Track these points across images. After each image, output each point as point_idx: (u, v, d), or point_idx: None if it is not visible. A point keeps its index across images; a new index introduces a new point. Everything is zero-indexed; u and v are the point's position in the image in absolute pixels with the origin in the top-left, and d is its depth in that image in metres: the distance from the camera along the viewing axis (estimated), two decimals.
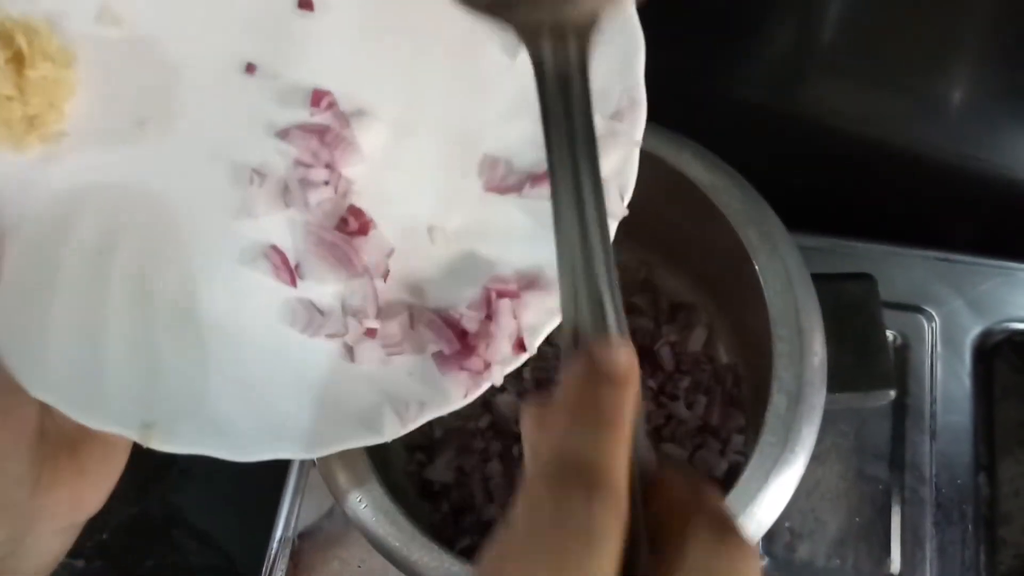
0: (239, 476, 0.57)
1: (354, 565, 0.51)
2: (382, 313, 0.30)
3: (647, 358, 0.51)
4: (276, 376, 0.29)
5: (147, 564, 0.57)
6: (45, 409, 0.28)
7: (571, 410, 0.22)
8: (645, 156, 0.41)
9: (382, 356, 0.30)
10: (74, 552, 0.56)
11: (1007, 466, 0.55)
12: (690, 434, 0.48)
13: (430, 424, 0.50)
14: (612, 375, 0.22)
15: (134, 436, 0.28)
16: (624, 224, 0.52)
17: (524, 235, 0.31)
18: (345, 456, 0.37)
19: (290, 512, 0.53)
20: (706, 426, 0.49)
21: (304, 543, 0.52)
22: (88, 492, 0.30)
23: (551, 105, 0.25)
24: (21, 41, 0.26)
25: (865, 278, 0.40)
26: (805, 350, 0.36)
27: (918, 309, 0.58)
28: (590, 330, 0.23)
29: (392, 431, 0.30)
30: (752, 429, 0.48)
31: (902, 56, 0.51)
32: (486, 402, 0.51)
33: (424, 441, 0.51)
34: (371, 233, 0.30)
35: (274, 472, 0.54)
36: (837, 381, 0.37)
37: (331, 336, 0.30)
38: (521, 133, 0.31)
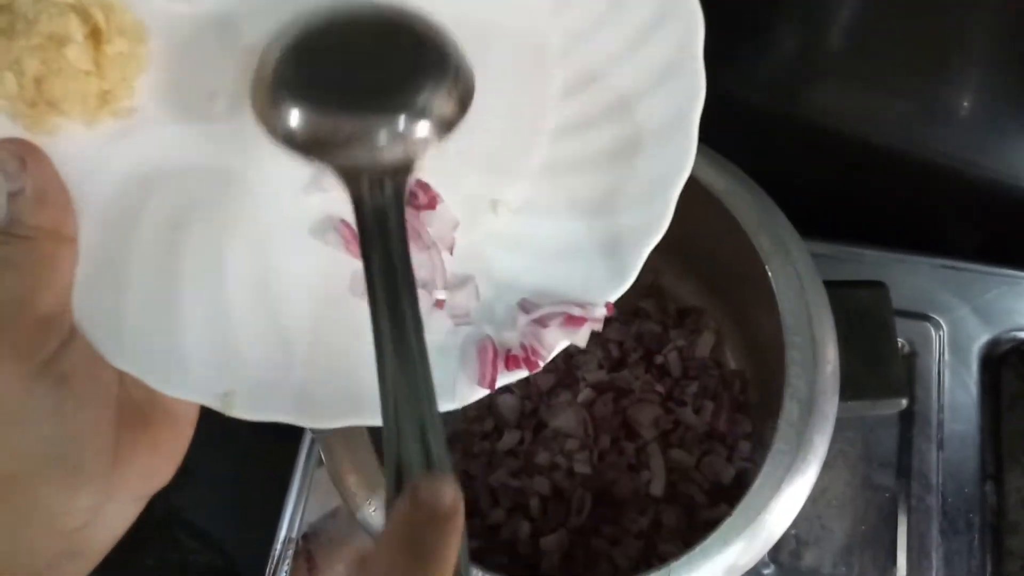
0: (242, 478, 0.57)
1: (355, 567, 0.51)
2: (449, 284, 0.30)
3: (654, 363, 0.51)
4: (351, 345, 0.29)
5: (148, 563, 0.57)
6: (121, 381, 0.29)
7: (395, 549, 0.23)
8: None
9: (450, 327, 0.30)
10: None
11: (1014, 475, 0.55)
12: (697, 440, 0.48)
13: None
14: (435, 512, 0.23)
15: (215, 405, 0.28)
16: None
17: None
18: (356, 461, 0.37)
19: (294, 514, 0.53)
20: (713, 432, 0.49)
21: (308, 545, 0.52)
22: (160, 464, 0.31)
23: (369, 238, 0.26)
24: (98, 16, 0.26)
25: (877, 286, 0.40)
26: (818, 358, 0.36)
27: (925, 317, 0.57)
28: (414, 466, 0.24)
29: (463, 397, 0.30)
30: (759, 436, 0.48)
31: (911, 62, 0.51)
32: (490, 405, 0.51)
33: None
34: (438, 207, 0.30)
35: (278, 474, 0.54)
36: (848, 389, 0.37)
37: None
38: (580, 109, 0.31)
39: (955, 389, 0.56)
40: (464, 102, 0.29)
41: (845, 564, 0.52)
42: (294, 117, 0.27)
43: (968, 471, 0.54)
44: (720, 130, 0.44)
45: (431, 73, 0.28)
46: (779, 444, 0.34)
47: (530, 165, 0.32)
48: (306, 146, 0.27)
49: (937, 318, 0.57)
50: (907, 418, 0.55)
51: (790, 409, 0.35)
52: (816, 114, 0.57)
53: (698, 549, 0.33)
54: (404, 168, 0.27)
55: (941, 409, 0.55)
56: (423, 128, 0.27)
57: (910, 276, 0.58)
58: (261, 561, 0.52)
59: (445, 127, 0.28)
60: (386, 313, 0.25)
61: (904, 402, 0.39)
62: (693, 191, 0.40)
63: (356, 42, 0.28)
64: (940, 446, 0.54)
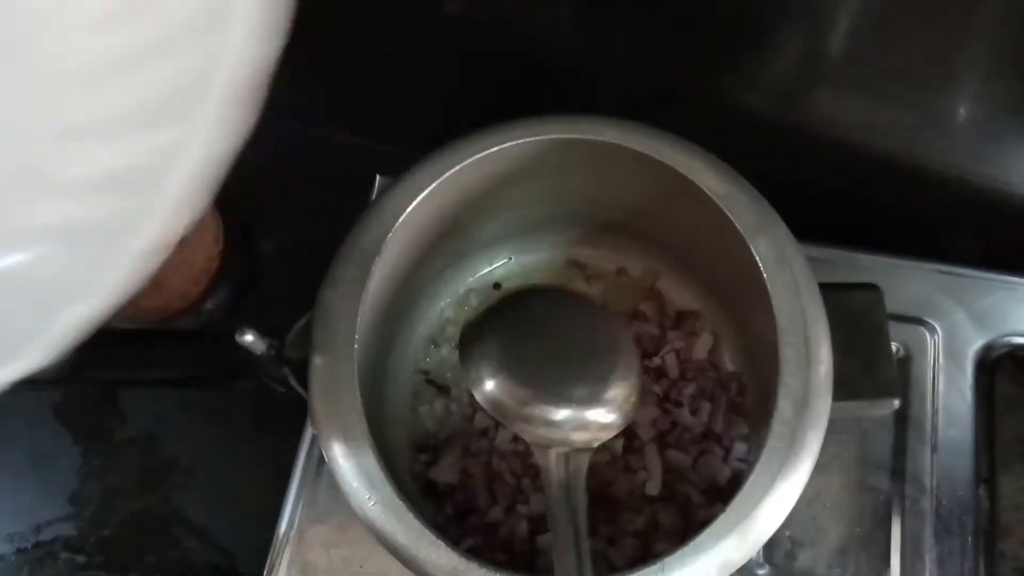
0: (242, 477, 0.58)
1: (356, 565, 0.52)
2: None
3: (651, 364, 0.52)
4: None
5: (148, 561, 0.57)
6: None
7: None
8: (654, 163, 0.42)
9: None
10: (75, 547, 0.58)
11: (1007, 480, 0.55)
12: (694, 440, 0.49)
13: (437, 425, 0.51)
14: None
15: None
16: (632, 231, 0.53)
17: None
18: (356, 455, 0.37)
19: (293, 512, 0.53)
20: (709, 433, 0.49)
21: (305, 543, 0.52)
22: None
23: (557, 504, 0.33)
24: None
25: (871, 288, 0.41)
26: (812, 358, 0.37)
27: (920, 322, 0.58)
28: None
29: None
30: (756, 437, 0.48)
31: (909, 69, 0.51)
32: None
33: (430, 441, 0.51)
34: None
35: (277, 473, 0.54)
36: (842, 390, 0.38)
37: None
38: None
39: (950, 393, 0.56)
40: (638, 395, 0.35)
41: (839, 565, 0.53)
42: (503, 393, 0.33)
43: (962, 475, 0.54)
44: (717, 135, 0.45)
45: (619, 373, 0.35)
46: (773, 442, 0.35)
47: None
48: (507, 419, 0.33)
49: (932, 323, 0.58)
50: (901, 422, 0.55)
51: (784, 407, 0.36)
52: (814, 120, 0.57)
53: (691, 545, 0.34)
54: (589, 448, 0.34)
55: (935, 413, 0.55)
56: (609, 418, 0.34)
57: (906, 281, 0.58)
58: (261, 559, 0.52)
59: (626, 418, 0.35)
60: (567, 562, 0.31)
61: (897, 402, 0.40)
62: (692, 195, 0.41)
63: (554, 332, 0.35)
64: (934, 449, 0.55)
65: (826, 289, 0.39)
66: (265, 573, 0.52)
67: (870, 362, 0.39)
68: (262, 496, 0.54)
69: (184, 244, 0.52)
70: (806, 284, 0.38)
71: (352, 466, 0.37)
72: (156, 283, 0.53)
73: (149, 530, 0.55)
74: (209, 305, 0.60)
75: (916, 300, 0.58)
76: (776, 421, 0.35)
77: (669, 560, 0.33)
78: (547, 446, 0.33)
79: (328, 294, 0.40)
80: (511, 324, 0.36)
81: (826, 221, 0.56)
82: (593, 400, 0.34)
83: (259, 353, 0.38)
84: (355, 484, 0.36)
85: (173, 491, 0.58)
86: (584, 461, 0.34)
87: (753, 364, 0.48)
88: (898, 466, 0.54)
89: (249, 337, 0.37)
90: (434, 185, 0.41)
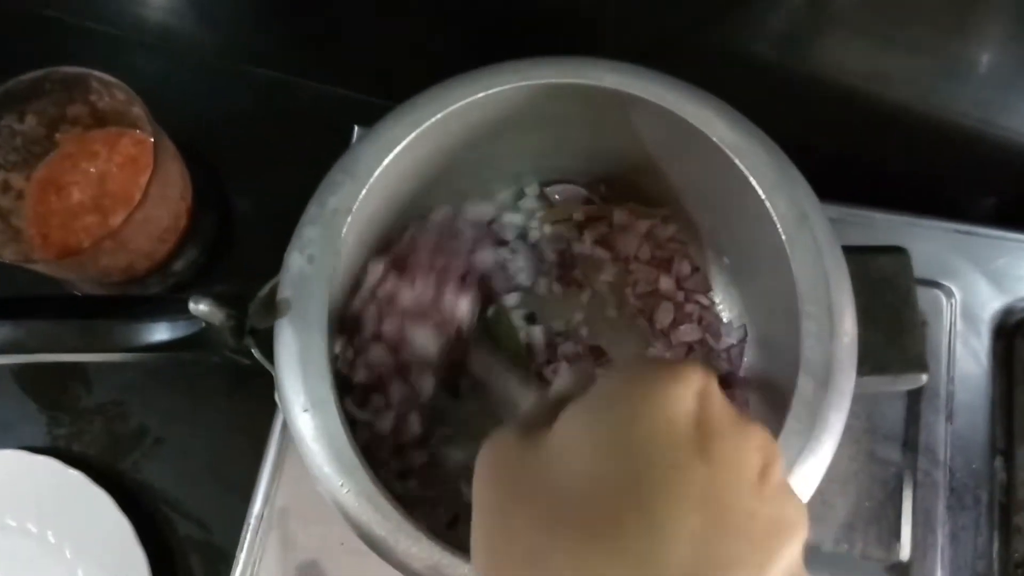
0: (217, 447, 0.55)
1: (336, 542, 0.49)
2: None
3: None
4: None
5: None
6: None
7: None
8: (660, 112, 0.38)
9: None
10: None
11: None
12: None
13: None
14: None
15: None
16: (634, 189, 0.49)
17: None
18: (327, 436, 0.33)
19: (270, 483, 0.50)
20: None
21: (284, 519, 0.49)
22: None
23: None
24: None
25: (898, 252, 0.37)
26: (835, 329, 0.33)
27: (936, 284, 0.55)
28: None
29: None
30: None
31: (926, 15, 0.47)
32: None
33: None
34: None
35: (253, 443, 0.52)
36: (865, 363, 0.34)
37: None
38: None
39: (966, 359, 0.53)
40: None
41: (847, 541, 0.50)
42: None
43: (977, 445, 0.52)
44: (726, 86, 0.41)
45: None
46: (791, 422, 0.32)
47: None
48: None
49: (949, 285, 0.55)
50: (915, 390, 0.52)
51: (804, 385, 0.32)
52: (825, 68, 0.53)
53: None
54: None
55: (951, 381, 0.53)
56: None
57: (920, 241, 0.55)
58: (237, 531, 0.50)
59: None
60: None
61: (925, 378, 0.36)
62: (702, 146, 0.37)
63: None
64: (949, 419, 0.52)
65: (848, 253, 0.35)
66: (239, 552, 0.50)
67: (896, 333, 0.36)
68: (238, 467, 0.52)
69: (146, 199, 0.48)
70: (829, 247, 0.34)
71: (323, 449, 0.33)
72: (119, 241, 0.49)
73: (122, 503, 0.52)
74: (178, 266, 0.57)
75: (931, 262, 0.55)
76: (795, 400, 0.32)
77: None
78: None
79: (295, 258, 0.36)
80: None
81: (834, 177, 0.52)
82: None
83: (217, 323, 0.34)
84: (326, 469, 0.33)
85: (143, 461, 0.56)
86: None
87: (767, 338, 0.44)
88: (910, 437, 0.52)
89: (204, 306, 0.33)
90: (412, 136, 0.37)
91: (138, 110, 0.50)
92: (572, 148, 0.46)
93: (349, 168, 0.36)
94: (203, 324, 0.35)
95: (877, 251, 0.37)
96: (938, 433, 0.52)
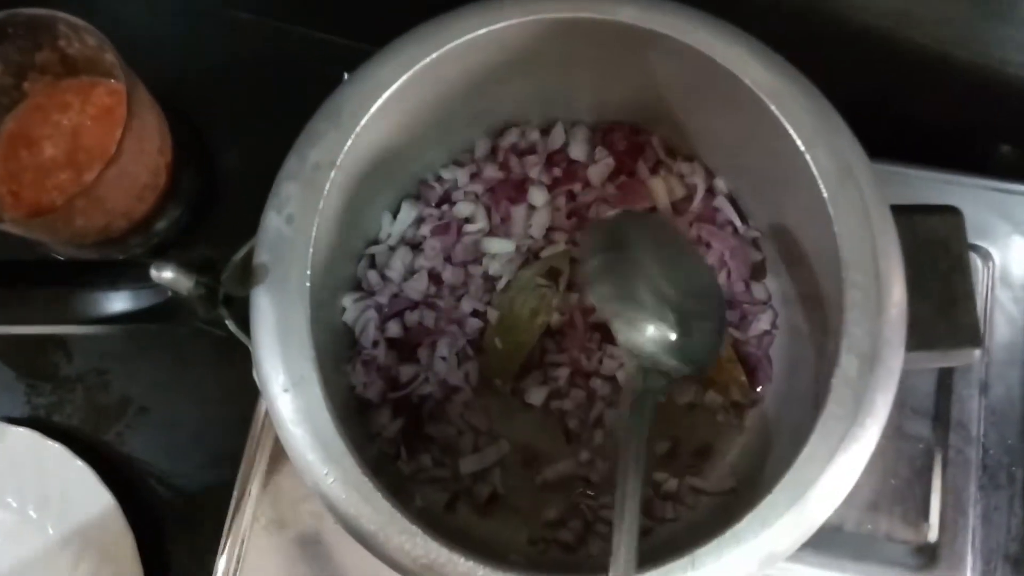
0: (203, 416, 0.52)
1: (328, 522, 0.46)
2: None
3: None
4: None
5: None
6: None
7: None
8: (683, 50, 0.33)
9: None
10: None
11: None
12: None
13: None
14: None
15: None
16: (651, 138, 0.46)
17: None
18: (310, 420, 0.30)
19: (259, 457, 0.48)
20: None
21: (271, 497, 0.47)
22: None
23: (627, 418, 0.34)
24: None
25: (950, 212, 0.33)
26: (883, 300, 0.29)
27: (972, 247, 0.50)
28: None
29: None
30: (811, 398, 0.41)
31: None
32: None
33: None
34: None
35: (238, 414, 0.49)
36: (912, 337, 0.30)
37: None
38: None
39: (1003, 329, 0.50)
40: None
41: (871, 522, 0.48)
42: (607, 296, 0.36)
43: (1012, 421, 0.49)
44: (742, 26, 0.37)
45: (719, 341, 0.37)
46: (832, 408, 0.28)
47: None
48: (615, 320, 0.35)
49: (986, 248, 0.51)
50: None
51: (847, 364, 0.29)
52: (853, 11, 0.49)
53: (729, 534, 0.27)
54: (666, 373, 0.35)
55: (986, 351, 0.49)
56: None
57: (956, 200, 0.50)
58: (226, 504, 0.48)
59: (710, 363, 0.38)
60: (631, 464, 0.32)
61: (977, 354, 0.33)
62: (731, 91, 0.33)
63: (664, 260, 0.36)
64: (983, 392, 0.49)
65: (896, 213, 0.31)
66: (226, 529, 0.47)
67: (947, 303, 0.32)
68: (226, 437, 0.50)
69: (121, 153, 0.45)
70: (876, 206, 0.30)
71: (305, 433, 0.30)
72: (94, 199, 0.46)
73: (106, 473, 0.50)
74: (160, 226, 0.54)
75: (968, 222, 0.51)
76: (837, 381, 0.28)
77: (701, 552, 0.27)
78: (636, 354, 0.34)
79: (272, 219, 0.32)
80: (635, 236, 0.37)
81: (863, 129, 0.49)
82: (686, 334, 0.35)
83: (185, 292, 0.31)
84: (309, 457, 0.30)
85: (127, 432, 0.53)
86: (661, 384, 0.35)
87: (805, 305, 0.41)
88: (941, 411, 0.49)
89: (168, 273, 0.29)
90: (403, 80, 0.33)
91: (110, 57, 0.47)
92: (581, 94, 0.42)
93: (332, 116, 0.32)
94: (169, 293, 0.32)
95: (926, 211, 0.34)
96: (971, 407, 0.49)
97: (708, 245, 0.43)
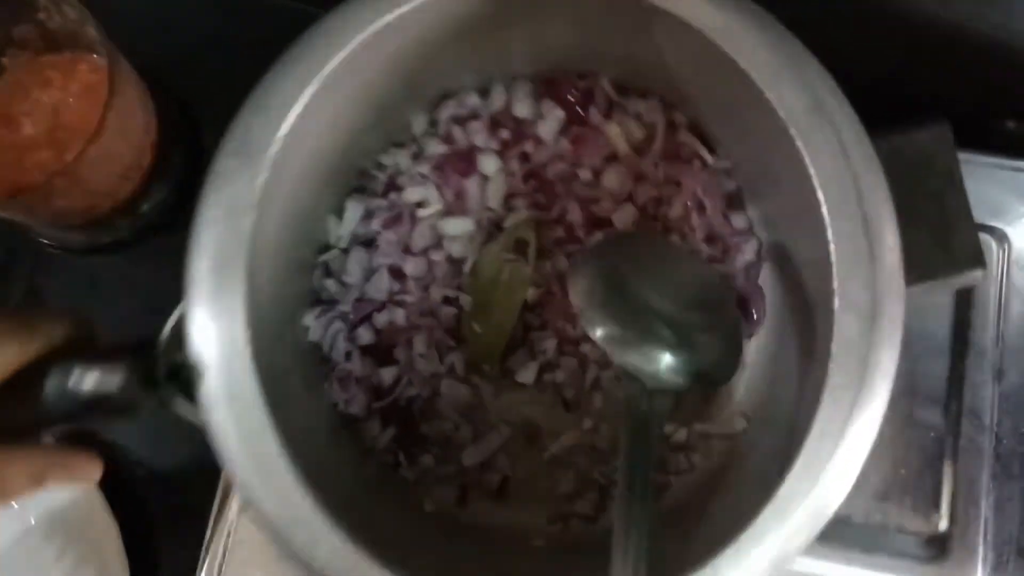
0: None
1: None
2: None
3: None
4: None
5: None
6: None
7: None
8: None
9: None
10: None
11: None
12: None
13: None
14: None
15: None
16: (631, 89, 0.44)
17: None
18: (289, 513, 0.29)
19: None
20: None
21: None
22: None
23: (628, 438, 0.33)
24: None
25: (934, 123, 0.30)
26: (875, 246, 0.27)
27: (986, 228, 0.49)
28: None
29: None
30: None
31: None
32: None
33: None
34: None
35: None
36: (910, 269, 0.28)
37: None
38: None
39: (1018, 313, 0.48)
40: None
41: (880, 512, 0.47)
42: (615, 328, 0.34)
43: None
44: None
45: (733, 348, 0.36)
46: (835, 377, 0.26)
47: None
48: (610, 347, 0.34)
49: (1001, 228, 0.49)
50: (960, 346, 0.48)
51: (846, 324, 0.26)
52: None
53: (744, 536, 0.25)
54: (670, 392, 0.34)
55: (1000, 338, 0.48)
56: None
57: (970, 179, 0.49)
58: (210, 493, 0.48)
59: (712, 387, 0.39)
60: (628, 488, 0.32)
61: (981, 274, 0.30)
62: (682, 31, 0.30)
63: (662, 274, 0.36)
64: (997, 379, 0.48)
65: (874, 137, 0.29)
66: (212, 519, 0.47)
67: (942, 225, 0.29)
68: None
69: (103, 131, 0.44)
70: (855, 142, 0.27)
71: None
72: (74, 179, 0.45)
73: None
74: (146, 207, 0.53)
75: (981, 202, 0.49)
76: (836, 344, 0.26)
77: (717, 562, 0.25)
78: (635, 377, 0.34)
79: (199, 270, 0.30)
80: (623, 259, 0.37)
81: (874, 105, 0.47)
82: (688, 348, 0.34)
83: (115, 391, 0.29)
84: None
85: (119, 430, 0.53)
86: (667, 404, 0.34)
87: (793, 271, 0.39)
88: (953, 398, 0.48)
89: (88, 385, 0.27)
90: (361, 40, 0.31)
91: (92, 31, 0.46)
92: (518, 47, 0.41)
93: (241, 150, 0.30)
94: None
95: (908, 127, 0.31)
96: (984, 395, 0.47)
97: (678, 183, 0.41)
